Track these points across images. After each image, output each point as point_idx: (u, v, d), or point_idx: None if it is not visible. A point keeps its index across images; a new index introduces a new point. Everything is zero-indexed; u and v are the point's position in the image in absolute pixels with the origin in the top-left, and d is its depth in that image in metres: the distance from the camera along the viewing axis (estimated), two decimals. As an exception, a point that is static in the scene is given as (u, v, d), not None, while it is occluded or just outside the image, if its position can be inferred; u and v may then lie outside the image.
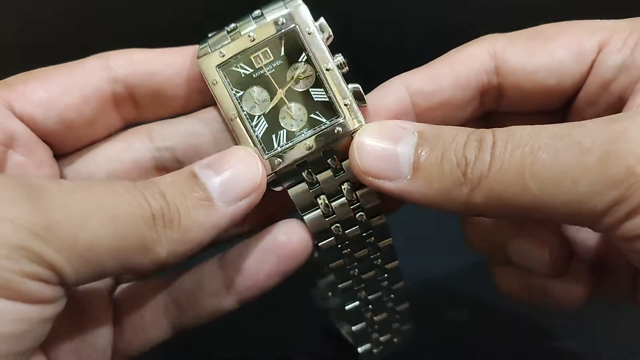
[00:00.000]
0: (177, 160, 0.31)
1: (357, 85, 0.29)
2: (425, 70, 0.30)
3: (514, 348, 0.42)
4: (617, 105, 0.28)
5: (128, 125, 0.32)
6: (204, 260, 0.32)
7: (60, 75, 0.29)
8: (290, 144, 0.29)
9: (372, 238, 0.31)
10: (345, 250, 0.31)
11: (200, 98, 0.31)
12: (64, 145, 0.30)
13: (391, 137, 0.27)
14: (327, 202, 0.30)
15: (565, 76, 0.29)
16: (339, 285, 0.33)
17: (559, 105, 0.30)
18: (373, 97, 0.30)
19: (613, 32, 0.28)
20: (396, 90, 0.30)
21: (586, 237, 0.33)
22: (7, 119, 0.27)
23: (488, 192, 0.24)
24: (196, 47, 0.30)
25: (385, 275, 0.33)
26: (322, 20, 0.29)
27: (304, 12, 0.28)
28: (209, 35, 0.30)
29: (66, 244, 0.21)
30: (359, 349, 0.36)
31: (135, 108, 0.31)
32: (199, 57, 0.29)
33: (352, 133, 0.29)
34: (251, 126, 0.29)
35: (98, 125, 0.30)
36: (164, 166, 0.31)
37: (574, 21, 0.29)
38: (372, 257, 0.32)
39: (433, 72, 0.30)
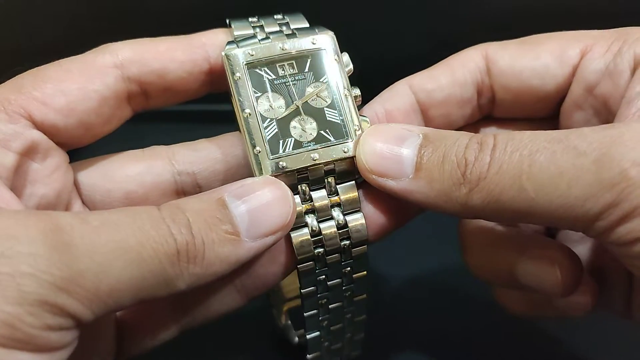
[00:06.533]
0: (197, 185, 0.32)
1: (366, 117, 0.31)
2: (426, 72, 0.33)
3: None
4: (602, 111, 0.30)
5: (136, 114, 0.32)
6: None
7: (74, 75, 0.29)
8: (296, 152, 0.30)
9: (350, 268, 0.31)
10: (320, 277, 0.31)
11: (207, 89, 0.32)
12: (80, 143, 0.30)
13: (396, 138, 0.28)
14: (316, 222, 0.30)
15: (549, 78, 0.31)
16: (305, 313, 0.31)
17: (548, 110, 0.33)
18: (383, 99, 0.32)
19: (596, 40, 0.30)
20: (402, 90, 0.33)
21: (584, 250, 0.34)
22: (27, 130, 0.27)
23: (486, 194, 0.25)
24: (203, 36, 0.31)
25: (352, 307, 0.32)
26: (346, 54, 0.31)
27: (334, 42, 0.31)
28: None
29: (89, 294, 0.21)
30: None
31: (146, 100, 0.31)
32: (225, 50, 0.30)
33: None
34: (262, 127, 0.30)
35: (112, 121, 0.31)
36: (183, 190, 0.32)
37: (562, 32, 0.32)
38: (344, 287, 0.31)
39: (432, 72, 0.33)
